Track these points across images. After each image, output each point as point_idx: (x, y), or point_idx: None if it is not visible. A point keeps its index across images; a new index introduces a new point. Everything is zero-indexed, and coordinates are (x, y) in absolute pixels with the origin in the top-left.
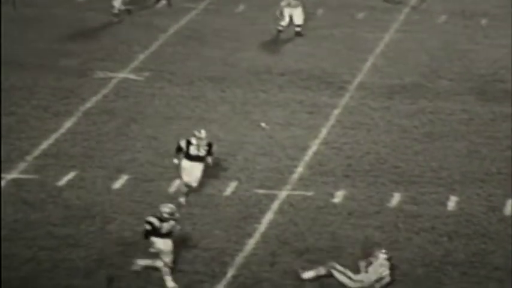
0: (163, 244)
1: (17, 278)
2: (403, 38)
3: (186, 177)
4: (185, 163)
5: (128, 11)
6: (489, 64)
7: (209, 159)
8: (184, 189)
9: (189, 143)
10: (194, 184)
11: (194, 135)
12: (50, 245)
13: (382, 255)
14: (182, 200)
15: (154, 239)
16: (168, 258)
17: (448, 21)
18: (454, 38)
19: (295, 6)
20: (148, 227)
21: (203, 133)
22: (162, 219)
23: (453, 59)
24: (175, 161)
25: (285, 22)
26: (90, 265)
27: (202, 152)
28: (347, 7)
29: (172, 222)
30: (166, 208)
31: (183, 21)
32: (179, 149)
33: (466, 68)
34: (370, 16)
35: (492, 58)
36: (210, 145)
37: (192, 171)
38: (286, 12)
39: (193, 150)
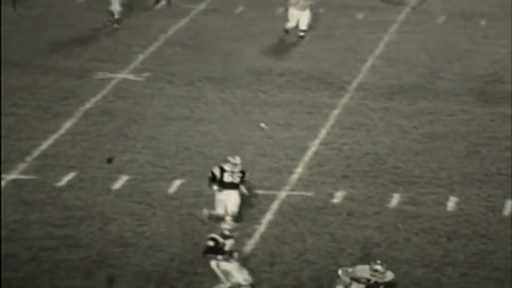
0: (228, 265)
1: (17, 278)
2: (402, 39)
3: (220, 210)
4: (220, 195)
5: (117, 20)
6: (489, 65)
7: (243, 189)
8: (207, 214)
9: (222, 170)
10: (235, 209)
11: (228, 161)
12: (49, 246)
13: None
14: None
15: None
16: (234, 279)
17: (447, 21)
18: (454, 39)
19: (303, 9)
20: (211, 243)
21: (238, 159)
22: (224, 236)
23: (453, 60)
24: (215, 187)
25: (291, 23)
26: (90, 265)
27: (236, 179)
28: (347, 8)
29: (232, 241)
30: (226, 225)
31: (183, 22)
32: (213, 178)
33: (465, 69)
34: (369, 17)
35: (492, 59)
36: (243, 172)
37: (228, 200)
38: (293, 12)
39: (227, 178)
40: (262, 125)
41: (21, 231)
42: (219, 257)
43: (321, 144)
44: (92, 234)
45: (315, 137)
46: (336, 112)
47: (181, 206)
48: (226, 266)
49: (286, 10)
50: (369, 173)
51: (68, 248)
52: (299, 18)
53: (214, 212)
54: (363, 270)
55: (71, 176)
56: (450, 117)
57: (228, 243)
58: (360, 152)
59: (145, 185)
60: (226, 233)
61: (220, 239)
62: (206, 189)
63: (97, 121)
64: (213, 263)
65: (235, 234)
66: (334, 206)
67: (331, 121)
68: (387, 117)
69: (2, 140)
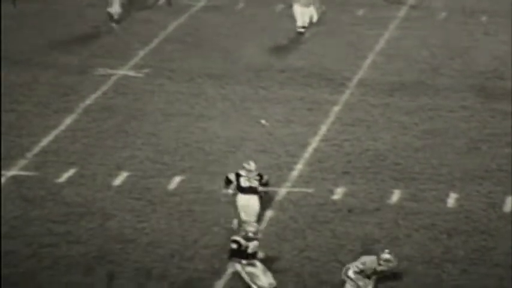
0: (253, 268)
1: (17, 274)
2: (403, 35)
3: (244, 215)
4: (241, 199)
5: (116, 21)
6: (489, 61)
7: (263, 192)
8: (236, 225)
9: (238, 176)
10: (254, 218)
11: (243, 167)
12: (49, 242)
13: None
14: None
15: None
16: (260, 282)
17: (448, 18)
18: (454, 35)
19: (306, 5)
20: (234, 246)
21: (252, 165)
22: (247, 239)
23: (453, 56)
24: (230, 191)
25: (300, 21)
26: (90, 262)
27: (254, 183)
28: (347, 4)
29: (256, 243)
30: (251, 227)
31: (183, 18)
32: (228, 182)
33: (466, 65)
34: (370, 13)
35: (492, 55)
36: (260, 176)
37: (248, 205)
38: (297, 9)
39: (244, 182)
40: (263, 121)
41: (21, 228)
42: (244, 261)
43: (321, 140)
44: (92, 231)
45: (315, 133)
46: (336, 108)
47: (181, 202)
48: (251, 269)
49: (290, 7)
50: (369, 169)
51: (68, 244)
52: (304, 14)
53: (242, 220)
54: (372, 262)
55: (71, 172)
56: (450, 113)
57: (251, 246)
58: (360, 148)
59: (145, 181)
60: (250, 235)
61: (243, 241)
62: (206, 185)
63: (97, 117)
64: (237, 266)
65: (259, 236)
66: (334, 202)
67: (331, 117)
68: (388, 114)
69: (2, 136)
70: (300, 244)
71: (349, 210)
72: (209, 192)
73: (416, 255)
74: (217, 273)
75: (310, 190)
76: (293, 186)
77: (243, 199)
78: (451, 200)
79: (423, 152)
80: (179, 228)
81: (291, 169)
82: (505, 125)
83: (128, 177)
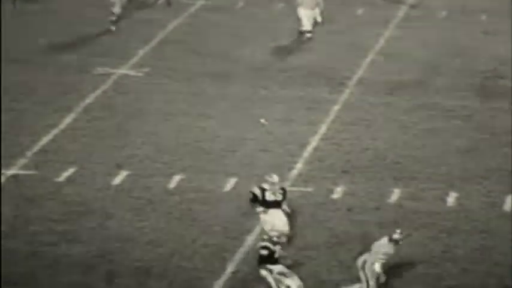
0: (281, 275)
1: (17, 273)
2: (402, 34)
3: (267, 226)
4: (266, 216)
5: (115, 22)
6: (489, 60)
7: (285, 206)
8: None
9: (263, 190)
10: (286, 228)
11: (266, 181)
12: (49, 241)
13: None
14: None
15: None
16: (287, 285)
17: (448, 17)
18: (454, 34)
19: (311, 7)
20: (265, 252)
21: (275, 178)
22: (274, 243)
23: (453, 55)
24: (259, 209)
25: (305, 25)
26: (89, 261)
27: (279, 197)
28: (347, 3)
29: (279, 246)
30: (274, 232)
31: (182, 17)
32: (255, 199)
33: (465, 64)
34: (370, 12)
35: (492, 54)
36: (284, 189)
37: (274, 219)
38: (301, 12)
39: (269, 196)
40: (263, 120)
41: (21, 227)
42: (274, 271)
43: (321, 139)
44: (92, 230)
45: (315, 132)
46: (336, 108)
47: (181, 201)
48: (278, 275)
49: (290, 6)
50: (369, 169)
51: (68, 243)
52: (309, 17)
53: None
54: (390, 247)
55: (70, 171)
56: (450, 112)
57: (277, 250)
58: (360, 147)
59: (145, 180)
60: (275, 239)
61: (272, 246)
62: (206, 184)
63: (97, 116)
64: (263, 272)
65: (282, 239)
66: (334, 201)
67: (331, 117)
68: (387, 113)
69: (2, 135)
70: (299, 243)
71: (349, 209)
72: (209, 191)
73: (416, 254)
74: (217, 273)
75: (309, 189)
76: (293, 185)
77: (269, 213)
78: (451, 199)
79: (423, 151)
80: (179, 227)
81: (290, 168)
82: (505, 124)
83: (128, 176)
